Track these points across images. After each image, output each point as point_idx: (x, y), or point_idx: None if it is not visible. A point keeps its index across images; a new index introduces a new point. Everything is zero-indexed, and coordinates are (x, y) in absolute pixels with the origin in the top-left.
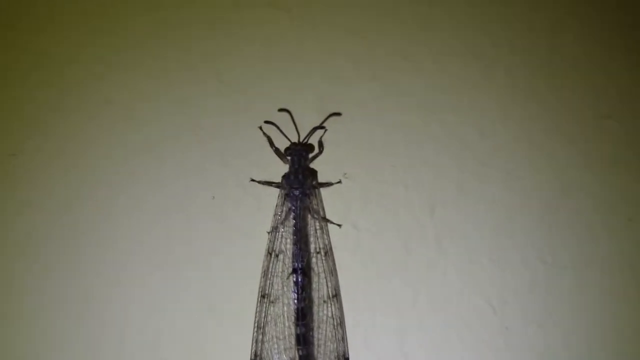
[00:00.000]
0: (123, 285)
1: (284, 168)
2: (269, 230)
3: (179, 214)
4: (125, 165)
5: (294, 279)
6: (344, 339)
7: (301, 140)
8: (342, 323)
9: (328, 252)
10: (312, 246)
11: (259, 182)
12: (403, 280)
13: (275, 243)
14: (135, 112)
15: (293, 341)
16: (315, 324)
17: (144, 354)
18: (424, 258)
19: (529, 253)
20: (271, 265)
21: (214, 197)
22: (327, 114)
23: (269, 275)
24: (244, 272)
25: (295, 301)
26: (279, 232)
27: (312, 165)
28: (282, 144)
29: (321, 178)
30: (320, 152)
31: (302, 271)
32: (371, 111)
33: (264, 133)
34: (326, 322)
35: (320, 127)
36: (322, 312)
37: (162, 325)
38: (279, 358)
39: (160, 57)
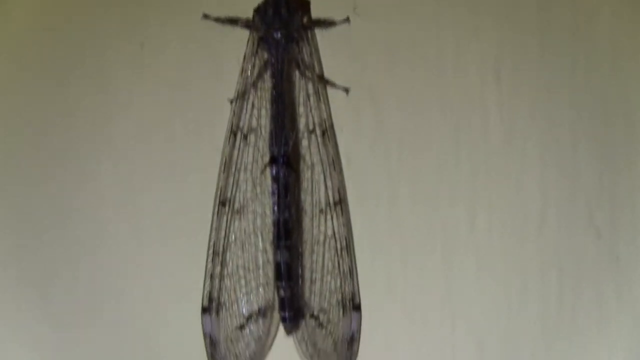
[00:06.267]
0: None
1: None
2: (232, 98)
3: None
4: None
5: (273, 174)
6: (352, 272)
7: None
8: (349, 247)
9: (327, 132)
10: (302, 122)
11: (217, 19)
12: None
13: (243, 117)
14: None
15: (270, 274)
16: (307, 247)
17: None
18: (482, 156)
19: None
20: (236, 152)
21: (142, 44)
22: None
23: (233, 169)
24: (190, 165)
25: (275, 210)
26: (248, 99)
27: None
28: None
29: (317, 12)
30: None
31: (286, 161)
32: None
33: None
34: (324, 244)
35: None
36: (317, 229)
37: None
38: (247, 303)
39: None
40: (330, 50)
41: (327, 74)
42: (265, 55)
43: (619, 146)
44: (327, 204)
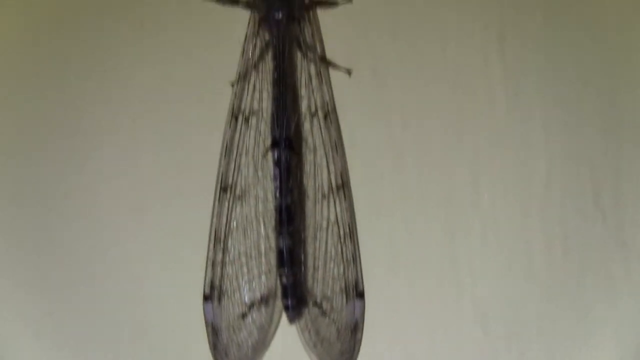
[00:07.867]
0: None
1: None
2: (234, 81)
3: None
4: None
5: (275, 158)
6: (355, 259)
7: None
8: (352, 233)
9: (329, 115)
10: (304, 104)
11: (217, 0)
12: (456, 164)
13: (244, 99)
14: None
15: (273, 261)
16: (310, 233)
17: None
18: (486, 134)
19: None
20: (237, 135)
21: (142, 24)
22: None
23: (234, 154)
24: (192, 150)
25: (277, 195)
26: (250, 81)
27: None
28: None
29: None
30: None
31: (288, 145)
32: None
33: None
34: (327, 230)
35: None
36: (320, 214)
37: None
38: (249, 291)
39: None
40: (333, 30)
41: (329, 55)
42: (267, 36)
43: (625, 124)
44: (330, 188)
